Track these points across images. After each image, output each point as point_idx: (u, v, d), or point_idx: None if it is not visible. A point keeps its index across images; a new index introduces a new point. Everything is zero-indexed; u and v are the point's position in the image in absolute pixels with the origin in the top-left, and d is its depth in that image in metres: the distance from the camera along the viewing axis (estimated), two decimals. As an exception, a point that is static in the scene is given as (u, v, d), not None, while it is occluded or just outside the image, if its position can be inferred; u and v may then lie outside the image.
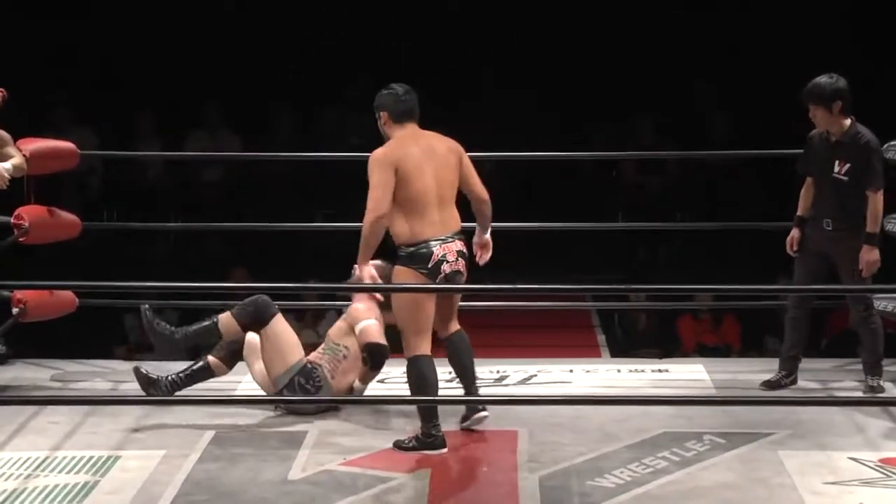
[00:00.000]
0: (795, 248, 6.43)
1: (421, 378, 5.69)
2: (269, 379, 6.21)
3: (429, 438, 5.69)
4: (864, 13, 10.50)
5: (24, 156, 6.38)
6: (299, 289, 7.40)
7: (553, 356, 7.39)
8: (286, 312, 7.35)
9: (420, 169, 5.67)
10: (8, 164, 6.23)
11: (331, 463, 5.57)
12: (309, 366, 6.21)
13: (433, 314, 5.75)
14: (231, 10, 11.20)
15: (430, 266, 5.67)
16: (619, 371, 7.03)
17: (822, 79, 6.29)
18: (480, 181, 5.85)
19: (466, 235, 5.89)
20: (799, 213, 6.47)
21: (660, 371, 7.02)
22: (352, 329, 6.25)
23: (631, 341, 9.08)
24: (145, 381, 6.22)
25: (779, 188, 8.63)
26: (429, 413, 5.72)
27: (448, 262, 5.70)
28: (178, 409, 6.13)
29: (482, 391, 6.55)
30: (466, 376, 5.93)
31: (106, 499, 5.21)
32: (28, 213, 6.71)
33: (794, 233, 6.45)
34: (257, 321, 6.20)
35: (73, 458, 5.61)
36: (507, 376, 6.89)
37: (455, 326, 5.97)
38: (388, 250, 5.83)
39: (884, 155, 6.42)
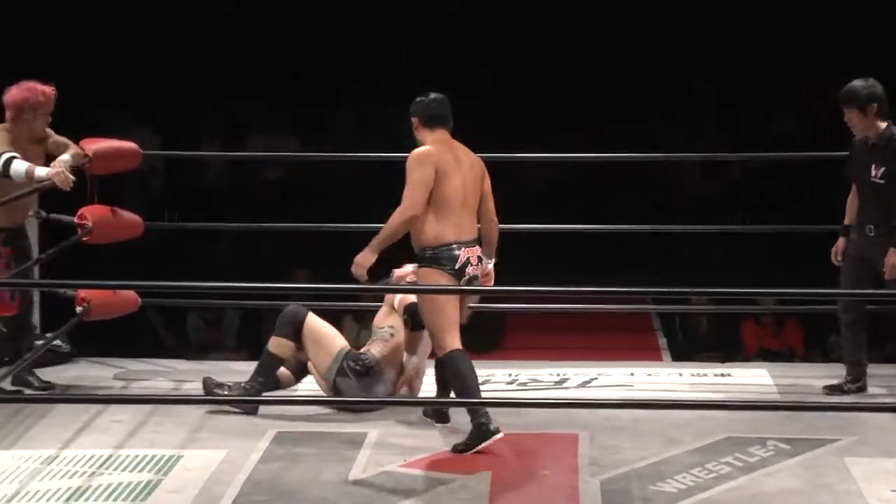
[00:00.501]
0: (840, 258, 6.45)
1: (457, 374, 5.78)
2: (321, 376, 6.30)
3: (481, 428, 5.74)
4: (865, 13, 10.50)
5: (86, 155, 6.51)
6: (336, 289, 7.37)
7: (614, 359, 7.40)
8: (346, 313, 7.47)
9: (452, 172, 5.84)
10: (66, 156, 6.35)
11: (391, 464, 5.62)
12: (354, 351, 6.30)
13: (458, 310, 5.87)
14: (289, 12, 11.28)
15: (456, 267, 5.81)
16: (680, 375, 7.04)
17: (857, 82, 6.33)
18: (493, 208, 6.00)
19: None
20: (845, 221, 6.50)
21: (722, 375, 7.03)
22: (392, 308, 6.34)
23: (692, 345, 9.07)
24: (211, 393, 6.32)
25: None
26: (472, 404, 5.81)
27: (472, 265, 5.85)
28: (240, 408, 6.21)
29: (543, 394, 6.64)
30: (445, 390, 6.00)
31: (168, 497, 5.29)
32: (91, 213, 6.78)
33: (840, 242, 6.48)
34: (296, 329, 6.32)
35: (137, 456, 5.69)
36: (567, 379, 6.91)
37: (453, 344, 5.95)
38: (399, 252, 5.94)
39: None
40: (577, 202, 10.19)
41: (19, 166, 6.31)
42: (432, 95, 5.98)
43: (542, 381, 6.91)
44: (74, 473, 5.53)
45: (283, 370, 6.38)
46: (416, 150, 5.88)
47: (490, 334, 6.97)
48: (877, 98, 6.29)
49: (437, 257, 5.83)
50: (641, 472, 5.54)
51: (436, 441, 5.89)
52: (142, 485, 5.40)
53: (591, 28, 10.98)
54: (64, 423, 6.06)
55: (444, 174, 5.82)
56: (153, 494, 5.32)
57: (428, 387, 6.33)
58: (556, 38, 11.01)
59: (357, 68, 10.96)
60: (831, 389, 6.53)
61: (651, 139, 10.53)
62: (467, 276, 5.84)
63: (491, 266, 6.02)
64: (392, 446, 5.83)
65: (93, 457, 5.68)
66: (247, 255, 9.93)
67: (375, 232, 5.91)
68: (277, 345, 6.32)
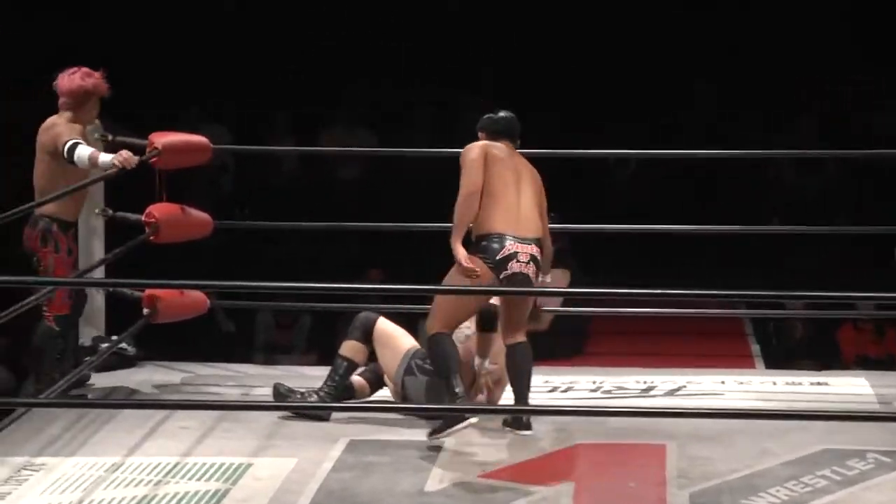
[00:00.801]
0: None
1: (441, 355, 5.82)
2: (391, 379, 6.23)
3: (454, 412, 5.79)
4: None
5: (155, 148, 6.46)
6: (409, 290, 7.26)
7: (703, 366, 7.28)
8: (422, 316, 7.35)
9: (505, 165, 5.92)
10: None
11: (469, 474, 5.53)
12: (422, 350, 6.20)
13: (472, 313, 5.93)
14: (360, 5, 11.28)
15: (497, 258, 5.80)
16: (774, 383, 6.91)
17: None
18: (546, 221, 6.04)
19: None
20: None
21: (818, 384, 6.90)
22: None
23: (787, 351, 8.97)
24: (281, 398, 6.26)
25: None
26: (449, 389, 5.79)
27: (519, 261, 5.81)
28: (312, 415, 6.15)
29: (628, 402, 6.54)
30: (519, 390, 5.95)
31: (237, 507, 5.25)
32: (159, 211, 6.77)
33: None
34: (367, 333, 6.26)
35: (204, 464, 5.64)
36: (654, 387, 6.82)
37: (521, 338, 5.97)
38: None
39: None
40: (663, 202, 10.10)
41: (83, 152, 6.29)
42: (501, 113, 6.12)
43: (627, 389, 6.82)
44: (140, 482, 5.48)
45: (358, 380, 6.32)
46: (468, 146, 6.01)
47: (573, 339, 6.89)
48: None
49: (482, 245, 5.84)
50: (733, 485, 5.43)
51: (515, 450, 5.80)
52: (210, 494, 5.35)
53: (595, 27, 10.97)
54: (129, 428, 6.03)
55: (496, 163, 5.91)
56: (221, 504, 5.27)
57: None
58: (555, 39, 10.99)
59: (435, 65, 10.94)
60: None
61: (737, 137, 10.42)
62: (510, 271, 5.79)
63: (548, 279, 6.02)
64: (469, 455, 5.75)
65: (159, 464, 5.64)
66: (320, 255, 9.90)
67: (450, 231, 5.90)
68: (349, 348, 6.26)
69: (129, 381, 6.81)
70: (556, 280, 7.96)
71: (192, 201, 7.20)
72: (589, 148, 8.06)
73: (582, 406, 6.40)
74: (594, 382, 6.90)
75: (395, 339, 6.26)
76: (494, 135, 6.06)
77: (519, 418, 5.97)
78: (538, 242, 5.91)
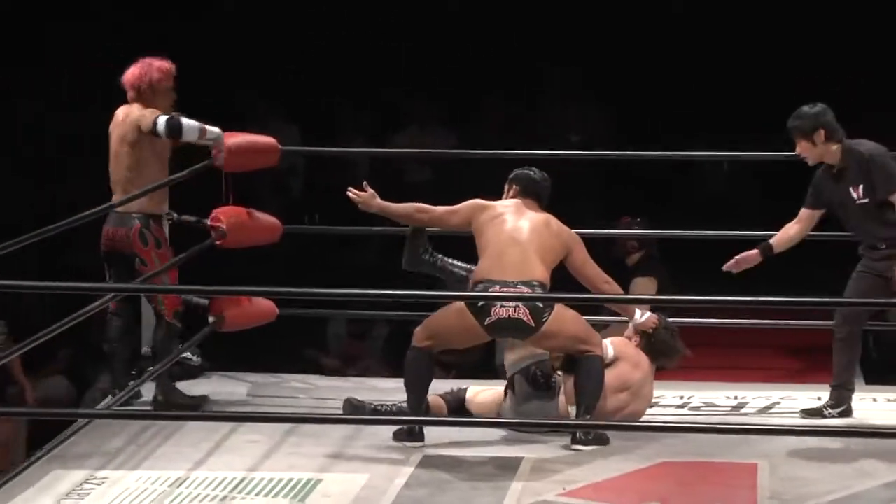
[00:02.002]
0: (731, 265, 6.51)
1: (411, 371, 6.13)
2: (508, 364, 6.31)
3: (410, 433, 6.05)
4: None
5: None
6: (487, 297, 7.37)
7: (798, 381, 7.29)
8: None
9: (503, 222, 6.25)
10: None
11: (549, 493, 5.57)
12: (548, 361, 6.29)
13: (456, 345, 6.32)
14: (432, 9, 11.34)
15: (478, 305, 6.03)
16: (874, 400, 6.91)
17: (804, 108, 6.41)
18: (595, 270, 6.26)
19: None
20: (772, 240, 6.55)
21: (922, 401, 6.88)
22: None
23: (888, 366, 8.90)
24: (352, 412, 6.35)
25: None
26: (412, 406, 6.11)
27: (504, 306, 6.00)
28: (384, 430, 6.20)
29: (718, 419, 6.56)
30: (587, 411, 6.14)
31: (306, 524, 5.34)
32: (226, 215, 6.85)
33: (750, 253, 6.52)
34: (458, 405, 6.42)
35: (272, 479, 5.71)
36: (745, 403, 6.83)
37: (584, 352, 6.15)
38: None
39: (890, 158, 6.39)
40: (760, 207, 10.05)
41: (188, 122, 6.48)
42: (536, 176, 6.42)
43: (717, 406, 6.84)
44: (205, 497, 5.57)
45: (435, 399, 6.37)
46: None
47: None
48: (821, 124, 6.34)
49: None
50: (829, 508, 5.43)
51: (597, 466, 5.85)
52: (278, 510, 5.42)
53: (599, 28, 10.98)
54: (194, 442, 6.12)
55: (492, 221, 6.24)
56: (289, 521, 5.35)
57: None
58: (556, 40, 11.01)
59: (499, 71, 10.98)
60: (809, 414, 6.51)
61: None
62: (493, 317, 6.01)
63: (642, 319, 6.31)
64: (549, 472, 5.79)
65: (225, 479, 5.72)
66: (392, 261, 9.95)
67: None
68: (434, 402, 6.34)
69: (194, 392, 6.88)
70: (642, 289, 8.00)
71: (260, 204, 7.28)
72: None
73: (668, 422, 6.43)
74: (681, 398, 6.91)
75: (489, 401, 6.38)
76: (525, 193, 6.35)
77: (597, 433, 6.08)
78: (528, 284, 6.06)
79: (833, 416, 6.48)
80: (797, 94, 6.62)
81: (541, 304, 6.03)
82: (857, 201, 6.38)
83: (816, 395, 6.85)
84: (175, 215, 7.05)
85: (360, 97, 11.08)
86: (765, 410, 6.73)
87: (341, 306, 8.15)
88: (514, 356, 6.29)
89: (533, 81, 11.13)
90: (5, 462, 7.34)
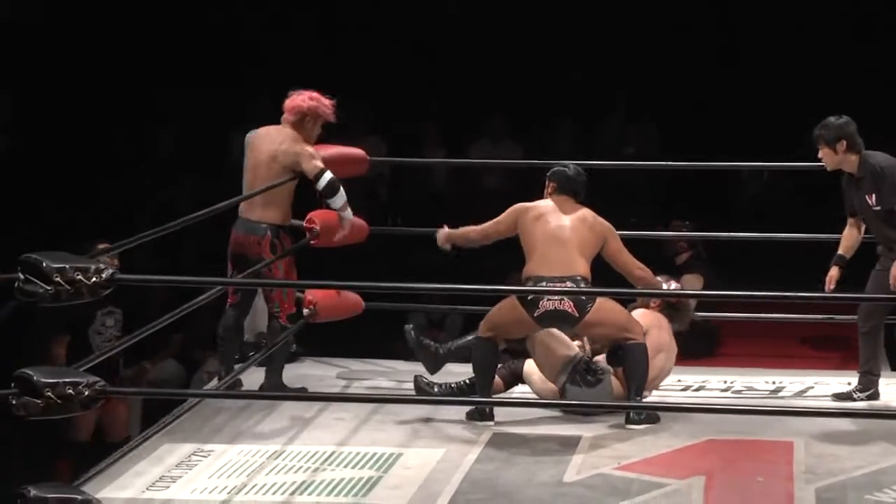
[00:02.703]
0: (832, 287, 6.35)
1: (477, 358, 6.11)
2: (551, 380, 6.21)
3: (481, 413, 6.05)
4: None
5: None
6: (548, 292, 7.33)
7: (831, 368, 7.21)
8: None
9: (546, 222, 6.21)
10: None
11: (606, 466, 5.53)
12: (587, 358, 6.22)
13: (514, 334, 6.19)
14: (510, 22, 11.30)
15: (529, 298, 6.02)
16: (900, 385, 6.81)
17: (830, 119, 6.32)
18: (628, 257, 6.20)
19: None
20: (839, 251, 6.42)
21: (943, 385, 6.77)
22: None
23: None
24: (422, 392, 6.32)
25: None
26: (480, 389, 6.09)
27: (549, 298, 6.00)
28: (457, 410, 6.17)
29: (757, 401, 6.50)
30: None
31: (389, 494, 5.30)
32: (319, 218, 6.85)
33: (833, 272, 6.37)
34: (515, 378, 6.31)
35: (358, 453, 5.71)
36: (782, 388, 6.75)
37: (626, 341, 6.09)
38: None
39: None
40: (797, 211, 9.96)
41: (342, 193, 6.57)
42: (572, 172, 6.34)
43: (757, 389, 6.76)
44: (299, 468, 5.57)
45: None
46: None
47: (705, 341, 6.84)
48: (844, 135, 6.26)
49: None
50: (858, 481, 5.36)
51: (648, 443, 5.80)
52: (363, 481, 5.42)
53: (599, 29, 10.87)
54: (289, 419, 6.12)
55: (536, 221, 6.20)
56: (374, 491, 5.33)
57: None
58: (556, 40, 10.91)
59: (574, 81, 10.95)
60: (840, 397, 6.42)
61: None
62: (542, 309, 6.00)
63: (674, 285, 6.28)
64: (606, 449, 5.75)
65: (316, 453, 5.72)
66: (466, 259, 9.93)
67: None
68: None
69: (290, 375, 6.86)
70: (690, 285, 7.94)
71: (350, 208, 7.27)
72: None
73: (713, 404, 6.38)
74: (725, 382, 6.85)
75: (559, 343, 6.23)
76: (561, 190, 6.28)
77: (649, 413, 6.04)
78: (572, 278, 6.04)
79: (861, 399, 6.39)
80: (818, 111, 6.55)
81: (583, 296, 6.01)
82: (872, 208, 6.30)
83: (847, 380, 6.77)
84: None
85: (443, 115, 11.09)
86: (800, 394, 6.66)
87: (420, 300, 8.13)
88: (553, 371, 6.18)
89: (593, 102, 11.09)
90: (123, 436, 7.38)
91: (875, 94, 10.34)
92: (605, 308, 6.06)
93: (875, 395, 6.42)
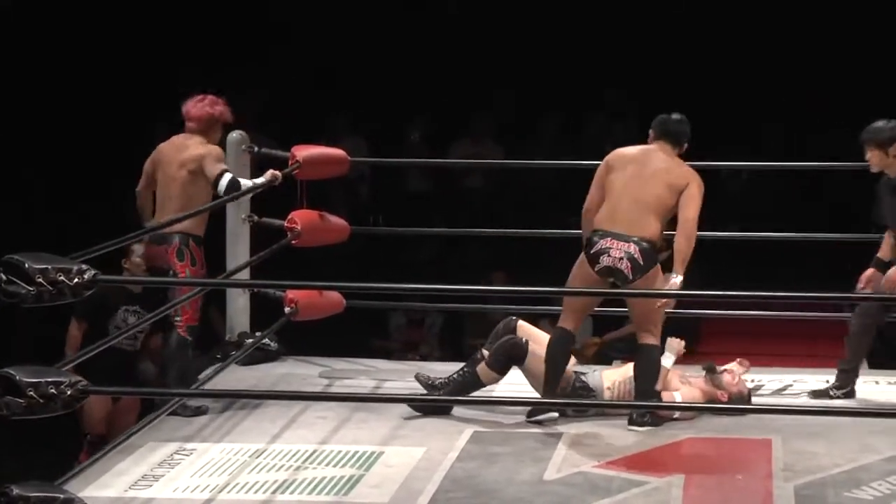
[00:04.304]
0: (863, 286, 6.37)
1: (551, 350, 5.99)
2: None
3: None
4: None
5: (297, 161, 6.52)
6: (532, 292, 7.29)
7: (809, 366, 7.19)
8: (543, 317, 7.37)
9: (625, 167, 5.98)
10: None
11: (586, 465, 5.53)
12: (579, 374, 6.19)
13: (590, 302, 6.08)
14: (503, 23, 11.31)
15: (591, 252, 5.91)
16: (877, 383, 6.80)
17: (880, 123, 6.33)
18: (694, 213, 5.94)
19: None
20: (878, 254, 6.42)
21: (919, 384, 6.78)
22: None
23: (889, 353, 8.80)
24: (427, 385, 6.27)
25: None
26: (550, 386, 5.98)
27: (611, 255, 5.87)
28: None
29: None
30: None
31: (370, 492, 5.28)
32: (300, 218, 6.86)
33: (868, 271, 6.39)
34: (514, 363, 6.20)
35: (340, 452, 5.70)
36: (761, 385, 6.74)
37: (641, 339, 5.98)
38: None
39: None
40: (775, 210, 10.00)
41: (246, 184, 6.39)
42: (674, 116, 6.13)
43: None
44: (281, 467, 5.56)
45: (485, 369, 6.20)
46: None
47: (686, 339, 6.82)
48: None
49: (588, 241, 5.97)
50: (836, 479, 5.37)
51: (629, 442, 5.80)
52: (345, 479, 5.41)
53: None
54: (272, 418, 6.11)
55: (615, 169, 5.99)
56: (355, 489, 5.32)
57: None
58: (557, 41, 10.93)
59: (560, 81, 10.96)
60: (816, 394, 6.45)
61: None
62: (601, 264, 5.87)
63: (676, 280, 5.88)
64: (586, 447, 5.74)
65: (298, 451, 5.71)
66: (448, 258, 9.95)
67: (570, 238, 6.25)
68: (485, 375, 6.19)
69: (272, 374, 6.89)
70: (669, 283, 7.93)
71: (331, 208, 7.27)
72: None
73: (693, 402, 6.31)
74: (752, 381, 6.79)
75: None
76: (658, 136, 6.08)
77: (632, 415, 5.99)
78: (637, 241, 5.88)
79: (838, 398, 6.41)
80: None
81: (641, 262, 5.86)
82: None
83: (825, 378, 6.79)
84: (255, 217, 7.08)
85: (422, 114, 11.08)
86: (778, 392, 6.66)
87: (401, 299, 8.13)
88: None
89: (579, 101, 11.10)
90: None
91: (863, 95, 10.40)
92: (650, 285, 5.92)
93: (851, 394, 6.44)
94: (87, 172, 10.31)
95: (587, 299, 6.06)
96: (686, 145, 6.10)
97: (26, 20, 10.69)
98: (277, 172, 6.50)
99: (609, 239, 5.89)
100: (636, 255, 5.87)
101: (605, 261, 5.88)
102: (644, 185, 5.93)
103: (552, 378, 5.98)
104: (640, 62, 11.00)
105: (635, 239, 5.88)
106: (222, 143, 6.81)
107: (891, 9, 10.52)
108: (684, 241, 5.92)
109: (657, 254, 5.98)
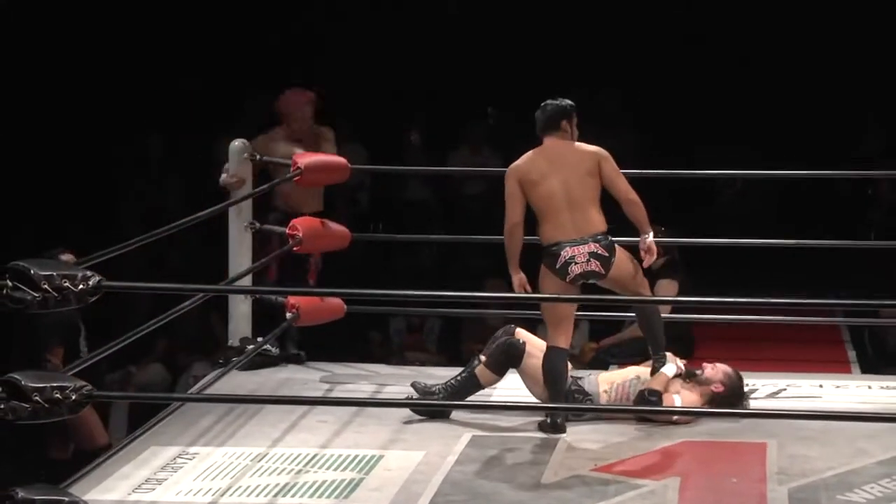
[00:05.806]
0: None
1: (552, 370, 5.94)
2: (543, 401, 6.16)
3: (554, 426, 5.90)
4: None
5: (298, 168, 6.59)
6: (525, 299, 7.28)
7: (802, 371, 7.20)
8: (540, 322, 7.38)
9: (545, 178, 5.95)
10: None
11: (583, 468, 5.53)
12: (575, 378, 6.18)
13: (572, 310, 6.03)
14: (493, 29, 11.33)
15: (558, 267, 5.89)
16: (869, 387, 6.81)
17: None
18: (626, 184, 6.00)
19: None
20: None
21: (911, 388, 6.78)
22: None
23: (882, 358, 8.82)
24: (423, 392, 6.25)
25: None
26: (554, 399, 5.96)
27: (577, 263, 5.89)
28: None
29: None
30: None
31: (370, 495, 5.29)
32: (302, 225, 6.86)
33: None
34: (511, 364, 6.20)
35: (341, 455, 5.70)
36: (755, 390, 6.72)
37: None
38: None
39: None
40: (768, 217, 10.02)
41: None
42: (537, 113, 6.08)
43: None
44: (282, 471, 5.56)
45: (484, 371, 6.21)
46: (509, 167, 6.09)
47: (680, 344, 6.84)
48: None
49: (547, 255, 5.94)
50: (830, 482, 5.37)
51: (625, 446, 5.80)
52: (345, 483, 5.41)
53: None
54: (273, 422, 6.10)
55: (534, 182, 5.96)
56: (356, 492, 5.33)
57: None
58: (556, 41, 10.95)
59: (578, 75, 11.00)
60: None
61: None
62: (571, 274, 5.89)
63: (650, 239, 5.99)
64: (583, 451, 5.75)
65: (299, 455, 5.71)
66: (447, 265, 9.95)
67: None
68: (484, 376, 6.20)
69: (273, 379, 6.88)
70: (665, 290, 7.97)
71: (332, 216, 7.28)
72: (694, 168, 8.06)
73: (689, 406, 6.32)
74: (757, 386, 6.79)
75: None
76: (544, 133, 6.05)
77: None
78: (596, 237, 5.93)
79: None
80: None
81: (606, 254, 5.91)
82: None
83: (818, 382, 6.81)
84: (258, 224, 7.07)
85: (420, 121, 11.10)
86: (773, 395, 6.65)
87: (400, 304, 8.13)
88: (547, 398, 6.07)
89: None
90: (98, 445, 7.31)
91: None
92: (622, 259, 5.99)
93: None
94: (87, 172, 10.33)
95: (570, 307, 6.04)
96: (565, 121, 6.04)
97: (26, 20, 10.71)
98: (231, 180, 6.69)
99: (567, 248, 5.92)
100: (599, 251, 5.92)
101: (574, 270, 5.91)
102: (572, 187, 5.95)
103: (554, 397, 5.97)
104: (635, 70, 11.02)
105: (589, 239, 5.93)
106: (225, 150, 6.86)
107: (891, 9, 10.54)
108: (636, 209, 6.00)
109: (610, 238, 5.99)
